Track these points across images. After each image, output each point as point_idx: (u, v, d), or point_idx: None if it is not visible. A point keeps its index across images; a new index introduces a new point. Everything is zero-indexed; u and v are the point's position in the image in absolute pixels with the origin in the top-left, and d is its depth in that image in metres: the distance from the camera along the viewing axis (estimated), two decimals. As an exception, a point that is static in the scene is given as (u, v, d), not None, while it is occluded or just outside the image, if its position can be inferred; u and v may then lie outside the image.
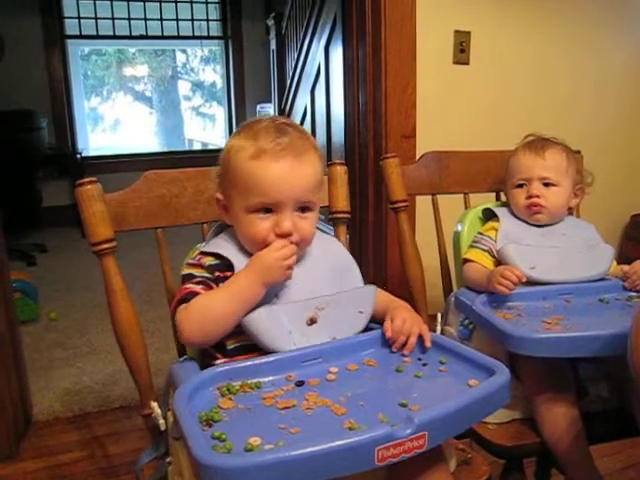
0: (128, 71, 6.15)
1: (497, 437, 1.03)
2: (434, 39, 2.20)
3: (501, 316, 1.06)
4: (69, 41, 5.17)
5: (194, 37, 5.68)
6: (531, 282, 1.14)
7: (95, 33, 5.27)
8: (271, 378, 0.81)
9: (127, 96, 6.19)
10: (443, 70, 2.24)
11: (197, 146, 6.32)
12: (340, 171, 1.18)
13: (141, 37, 5.48)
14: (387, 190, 1.32)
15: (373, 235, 2.35)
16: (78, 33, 5.20)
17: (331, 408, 0.74)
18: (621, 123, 2.58)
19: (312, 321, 0.88)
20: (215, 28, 5.71)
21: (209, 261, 0.92)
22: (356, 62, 2.33)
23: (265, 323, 0.85)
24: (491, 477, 0.92)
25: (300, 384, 0.81)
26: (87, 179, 0.98)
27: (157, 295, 2.92)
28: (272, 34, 4.79)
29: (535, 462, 1.38)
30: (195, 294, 0.87)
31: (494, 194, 1.45)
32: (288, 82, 4.31)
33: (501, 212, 1.29)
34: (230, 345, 0.88)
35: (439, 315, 1.20)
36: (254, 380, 0.80)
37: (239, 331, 0.86)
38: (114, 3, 5.23)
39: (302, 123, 3.97)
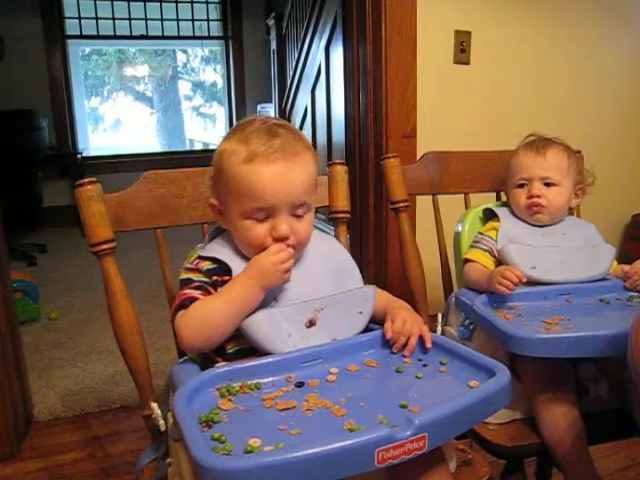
0: (128, 71, 6.15)
1: (497, 437, 1.03)
2: (435, 39, 2.19)
3: (501, 316, 1.06)
4: (69, 41, 5.17)
5: (194, 37, 5.69)
6: (532, 282, 1.14)
7: (96, 33, 5.28)
8: (271, 379, 0.81)
9: (127, 96, 6.19)
10: (443, 70, 2.24)
11: (198, 146, 6.32)
12: (340, 171, 1.18)
13: (142, 37, 5.48)
14: (387, 190, 1.32)
15: (373, 235, 2.34)
16: (78, 33, 5.21)
17: (331, 409, 0.74)
18: (621, 123, 2.58)
19: (311, 323, 0.88)
20: (215, 28, 5.71)
21: (207, 265, 0.92)
22: (356, 62, 2.32)
23: (264, 326, 0.84)
24: (491, 477, 0.91)
25: (300, 385, 0.80)
26: (87, 179, 0.98)
27: (157, 295, 2.92)
28: (272, 34, 4.78)
29: (536, 462, 1.38)
30: (193, 299, 0.87)
31: (494, 194, 1.45)
32: (288, 82, 4.31)
33: (502, 212, 1.29)
34: (230, 349, 0.88)
35: (439, 315, 1.20)
36: (254, 381, 0.80)
37: (239, 335, 0.86)
38: (114, 3, 5.24)
39: (303, 123, 3.98)
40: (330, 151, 3.40)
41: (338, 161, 1.19)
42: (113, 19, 5.28)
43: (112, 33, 5.33)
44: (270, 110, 5.02)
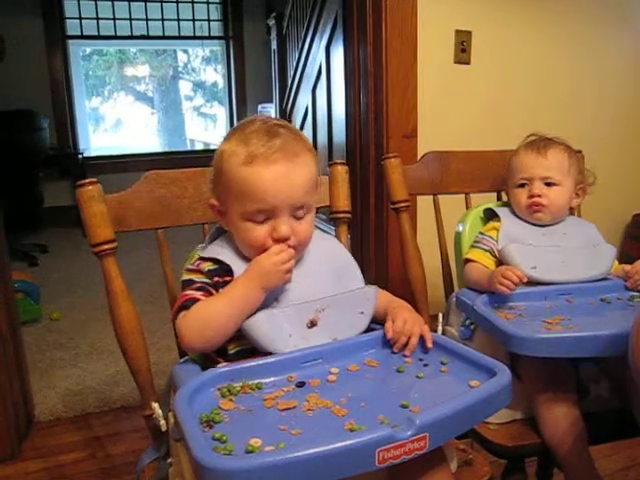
0: (129, 71, 6.16)
1: (498, 437, 1.03)
2: (435, 39, 2.19)
3: (502, 316, 1.06)
4: (70, 41, 5.18)
5: (195, 37, 5.69)
6: (532, 282, 1.14)
7: (96, 33, 5.28)
8: (272, 379, 0.81)
9: (128, 96, 6.20)
10: (444, 70, 2.24)
11: (199, 146, 6.32)
12: (341, 171, 1.18)
13: (142, 37, 5.49)
14: (388, 190, 1.32)
15: (374, 235, 2.35)
16: (79, 33, 5.21)
17: (332, 409, 0.74)
18: (622, 122, 2.58)
19: (312, 323, 0.88)
20: (216, 28, 5.72)
21: (208, 266, 0.92)
22: (357, 62, 2.33)
23: (265, 327, 0.85)
24: (492, 477, 0.91)
25: (301, 385, 0.81)
26: (87, 180, 0.98)
27: (158, 296, 2.93)
28: (273, 34, 4.79)
29: (537, 462, 1.38)
30: (195, 300, 0.87)
31: (495, 194, 1.44)
32: (289, 82, 4.31)
33: (502, 212, 1.29)
34: (231, 350, 0.88)
35: (440, 315, 1.20)
36: (255, 381, 0.80)
37: (240, 335, 0.86)
38: (115, 3, 5.24)
39: (303, 123, 3.98)
40: (331, 151, 3.40)
41: (339, 161, 1.19)
42: (114, 19, 5.29)
43: (113, 33, 5.34)
44: (271, 110, 5.02)
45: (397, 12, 2.10)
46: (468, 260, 1.24)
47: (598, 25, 2.43)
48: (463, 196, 1.41)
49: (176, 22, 5.54)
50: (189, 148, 6.33)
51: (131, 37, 5.44)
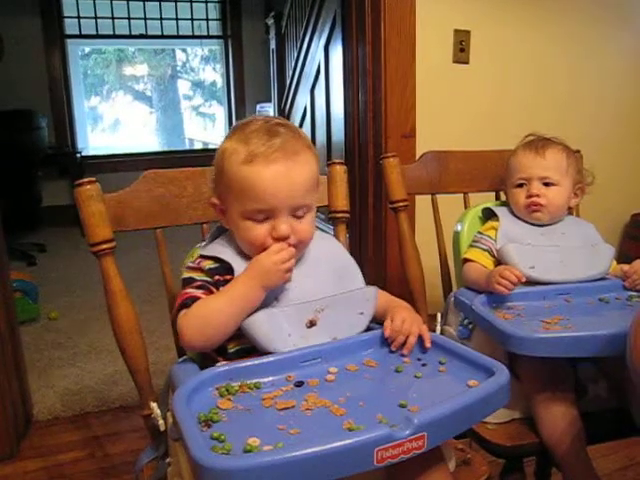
0: (128, 70, 6.15)
1: (496, 437, 1.03)
2: (434, 38, 2.19)
3: (501, 316, 1.06)
4: (69, 41, 5.17)
5: (194, 36, 5.69)
6: (531, 282, 1.14)
7: (95, 33, 5.27)
8: (270, 378, 0.81)
9: (127, 95, 6.19)
10: (443, 69, 2.24)
11: (197, 145, 6.32)
12: (340, 170, 1.18)
13: (141, 36, 5.48)
14: (387, 190, 1.32)
15: (373, 235, 2.35)
16: (78, 33, 5.21)
17: (330, 409, 0.74)
18: (621, 122, 2.58)
19: (312, 323, 0.88)
20: (215, 27, 5.71)
21: (209, 265, 0.92)
22: (356, 61, 2.32)
23: (264, 326, 0.85)
24: (490, 477, 0.92)
25: (299, 384, 0.81)
26: (86, 179, 0.98)
27: (157, 295, 2.92)
28: (272, 33, 4.79)
29: (535, 461, 1.38)
30: (195, 299, 0.87)
31: (494, 193, 1.45)
32: (288, 81, 4.31)
33: (501, 212, 1.29)
34: (231, 348, 0.88)
35: (439, 315, 1.20)
36: (253, 380, 0.80)
37: (240, 334, 0.86)
38: (114, 3, 5.23)
39: (302, 122, 3.98)
40: (329, 150, 3.41)
41: (337, 161, 1.19)
42: (112, 18, 5.28)
43: (111, 32, 5.33)
44: (269, 109, 5.02)
45: (396, 11, 2.10)
46: (466, 260, 1.24)
47: (597, 24, 2.43)
48: (462, 196, 1.41)
49: (175, 21, 5.54)
50: (188, 147, 6.32)
51: (130, 36, 5.43)
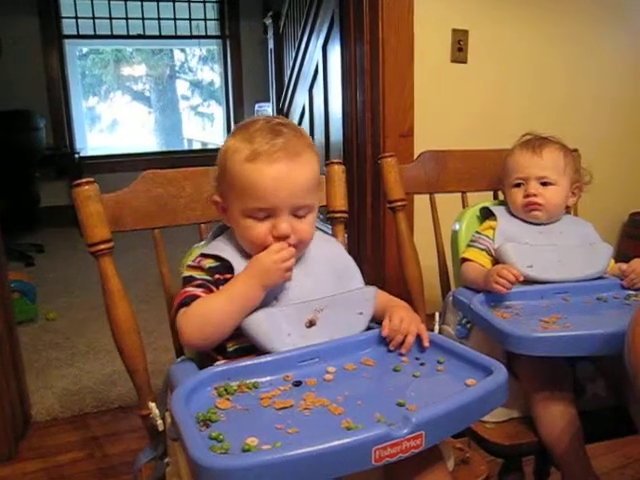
0: (126, 70, 6.15)
1: (495, 436, 1.03)
2: (432, 38, 2.19)
3: (499, 315, 1.06)
4: (67, 41, 5.16)
5: (192, 36, 5.69)
6: (529, 281, 1.15)
7: (93, 33, 5.27)
8: (269, 378, 0.81)
9: (125, 96, 6.19)
10: (441, 69, 2.24)
11: (196, 146, 6.32)
12: (338, 170, 1.18)
13: (139, 37, 5.48)
14: (385, 189, 1.32)
15: (371, 234, 2.35)
16: (76, 33, 5.20)
17: (328, 408, 0.74)
18: (619, 121, 2.59)
19: (311, 323, 0.88)
20: (213, 27, 5.71)
21: (209, 263, 0.92)
22: (354, 61, 2.33)
23: (264, 325, 0.85)
24: (489, 476, 0.92)
25: (298, 384, 0.81)
26: (84, 179, 0.98)
27: (155, 295, 2.92)
28: (270, 33, 4.78)
29: (534, 460, 1.38)
30: (195, 297, 0.87)
31: (492, 193, 1.45)
32: (286, 81, 4.31)
33: (499, 211, 1.29)
34: (231, 347, 0.88)
35: (437, 314, 1.20)
36: (252, 380, 0.80)
37: (239, 333, 0.86)
38: (111, 3, 5.23)
39: (300, 122, 3.98)
40: (328, 150, 3.40)
41: (335, 160, 1.18)
42: (110, 19, 5.28)
43: (109, 33, 5.33)
44: (268, 109, 5.02)
45: (394, 11, 2.10)
46: (465, 259, 1.24)
47: (595, 24, 2.44)
48: (460, 195, 1.41)
49: (172, 21, 5.54)
50: (186, 147, 6.32)
51: (127, 36, 5.43)
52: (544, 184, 1.23)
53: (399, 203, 1.31)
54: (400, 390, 0.79)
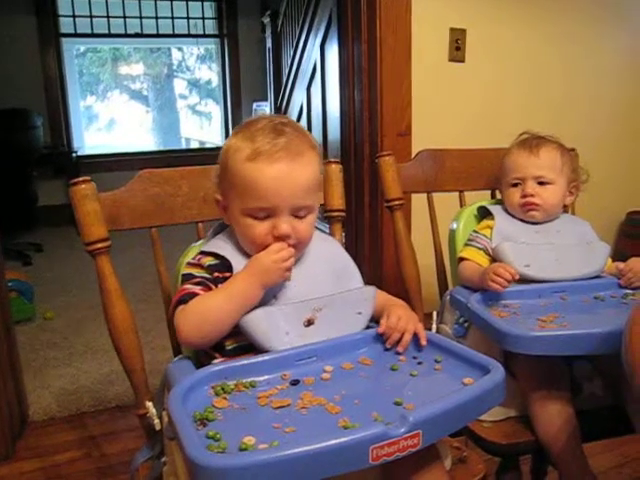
0: (124, 69, 6.13)
1: (492, 435, 1.03)
2: (429, 37, 2.19)
3: (496, 314, 1.06)
4: (64, 39, 5.15)
5: (190, 35, 5.68)
6: (526, 280, 1.15)
7: (90, 31, 5.26)
8: (266, 377, 0.81)
9: (123, 94, 6.17)
10: (439, 68, 2.24)
11: (194, 144, 6.31)
12: (335, 169, 1.18)
13: (136, 35, 5.46)
14: (382, 188, 1.32)
15: (369, 233, 2.35)
16: (73, 31, 5.19)
17: (326, 407, 0.74)
18: (617, 120, 2.59)
19: (309, 322, 0.88)
20: (211, 26, 5.71)
21: (209, 261, 0.92)
22: (352, 60, 2.32)
23: (262, 324, 0.84)
24: (486, 475, 0.92)
25: (295, 383, 0.81)
26: (81, 178, 0.98)
27: (152, 294, 2.92)
28: (268, 32, 4.78)
29: (531, 459, 1.38)
30: (193, 295, 0.87)
31: (489, 192, 1.45)
32: (284, 80, 4.31)
33: (496, 210, 1.29)
34: (229, 346, 0.88)
35: (435, 313, 1.20)
36: (249, 379, 0.80)
37: (238, 332, 0.86)
38: (109, 1, 5.22)
39: (298, 121, 3.97)
40: (325, 149, 3.40)
41: (333, 160, 1.18)
42: (107, 17, 5.27)
43: (107, 31, 5.32)
44: (266, 108, 5.02)
45: (391, 10, 2.10)
46: (462, 258, 1.24)
47: (593, 23, 2.44)
48: (457, 194, 1.41)
49: (170, 20, 5.53)
50: (184, 146, 6.30)
51: (125, 35, 5.42)
52: (541, 184, 1.23)
53: (397, 202, 1.31)
54: (397, 389, 0.79)
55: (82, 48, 5.75)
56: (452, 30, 2.21)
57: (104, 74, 6.02)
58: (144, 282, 3.11)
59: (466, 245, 1.27)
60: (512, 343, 0.97)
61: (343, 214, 1.19)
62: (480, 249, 1.23)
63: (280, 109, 4.38)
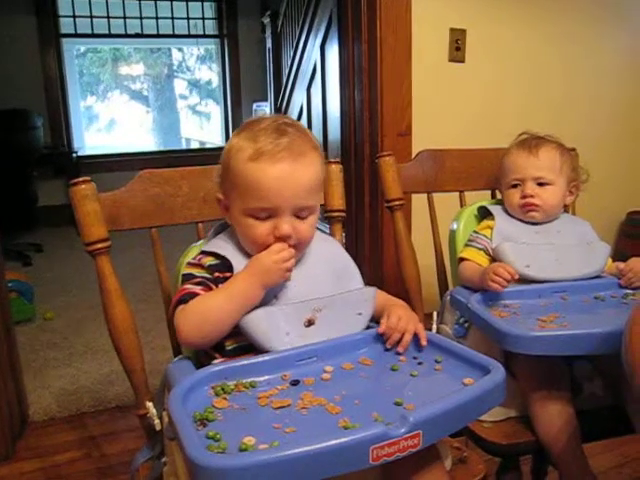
0: (124, 69, 6.13)
1: (492, 435, 1.03)
2: (429, 37, 2.19)
3: (496, 314, 1.06)
4: (64, 40, 5.15)
5: (190, 35, 5.68)
6: (526, 280, 1.14)
7: (90, 32, 5.26)
8: (266, 377, 0.81)
9: (123, 95, 6.17)
10: (439, 68, 2.24)
11: (194, 145, 6.31)
12: (335, 169, 1.18)
13: (137, 36, 5.47)
14: (383, 188, 1.32)
15: (369, 233, 2.35)
16: (73, 32, 5.19)
17: (326, 407, 0.74)
18: (617, 121, 2.59)
19: (310, 323, 0.88)
20: (211, 26, 5.71)
21: (209, 261, 0.92)
22: (352, 60, 2.32)
23: (263, 324, 0.84)
24: (487, 475, 0.92)
25: (295, 383, 0.81)
26: (81, 178, 0.98)
27: (152, 294, 2.92)
28: (268, 32, 4.78)
29: (531, 459, 1.38)
30: (194, 295, 0.87)
31: (490, 192, 1.45)
32: (284, 80, 4.31)
33: (496, 210, 1.29)
34: (229, 346, 0.88)
35: (435, 313, 1.20)
36: (249, 379, 0.80)
37: (238, 332, 0.86)
38: (109, 2, 5.22)
39: (298, 121, 3.97)
40: (326, 149, 3.40)
41: (333, 160, 1.18)
42: (108, 17, 5.27)
43: (107, 31, 5.32)
44: (266, 108, 5.02)
45: (391, 10, 2.10)
46: (462, 259, 1.24)
47: (593, 23, 2.44)
48: (457, 194, 1.41)
49: (170, 20, 5.53)
50: (184, 147, 6.31)
51: (125, 35, 5.42)
52: (541, 184, 1.23)
53: (397, 202, 1.31)
54: (398, 389, 0.79)
55: (82, 48, 5.75)
56: (452, 30, 2.21)
57: (104, 74, 6.02)
58: (144, 282, 3.11)
59: (466, 245, 1.27)
60: (512, 343, 0.97)
61: (343, 214, 1.19)
62: (480, 249, 1.23)
63: (280, 109, 4.38)
